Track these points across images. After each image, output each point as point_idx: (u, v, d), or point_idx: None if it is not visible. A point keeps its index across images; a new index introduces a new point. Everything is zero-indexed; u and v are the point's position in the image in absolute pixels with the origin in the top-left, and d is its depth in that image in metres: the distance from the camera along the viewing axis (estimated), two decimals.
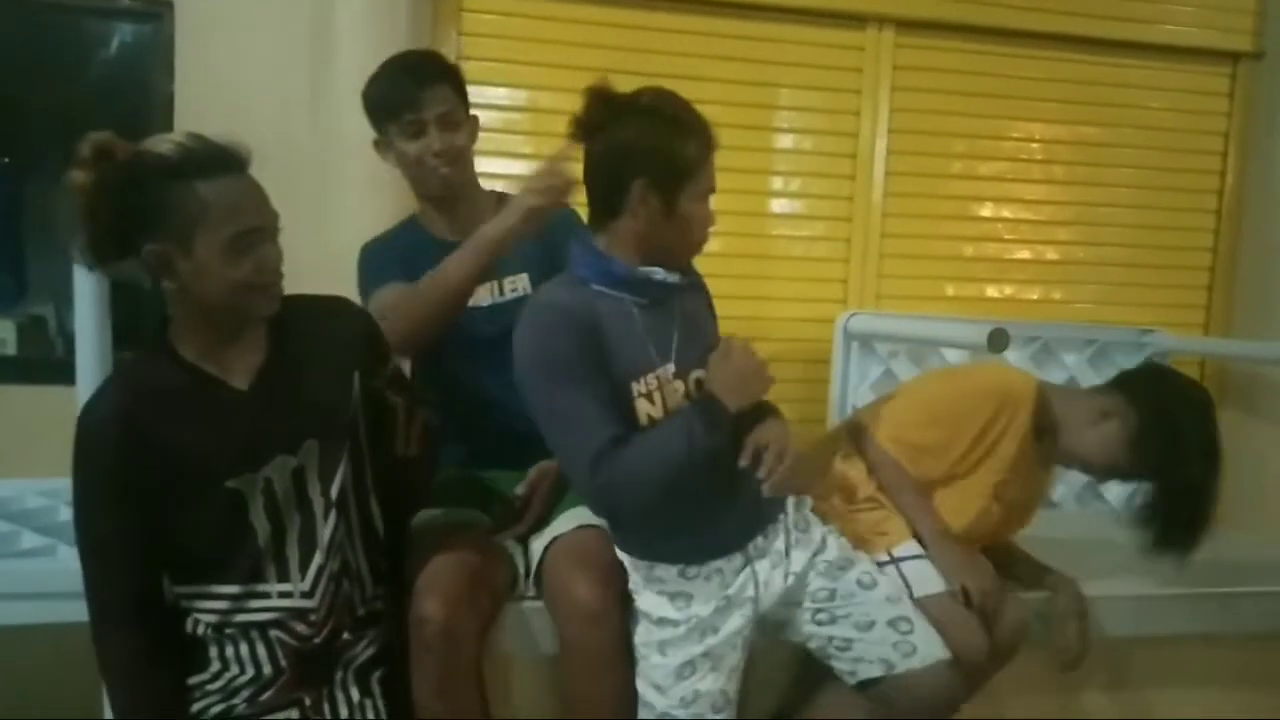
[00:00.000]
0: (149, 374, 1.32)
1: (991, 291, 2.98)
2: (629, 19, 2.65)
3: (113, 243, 1.25)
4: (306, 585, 1.34)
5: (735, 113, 2.67)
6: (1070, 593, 1.79)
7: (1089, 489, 2.77)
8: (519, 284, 1.73)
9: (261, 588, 1.33)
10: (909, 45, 2.82)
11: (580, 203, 1.52)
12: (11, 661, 1.83)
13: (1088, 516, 2.68)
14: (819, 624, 1.56)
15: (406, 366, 1.77)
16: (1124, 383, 1.77)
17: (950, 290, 2.94)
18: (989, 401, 1.71)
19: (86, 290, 1.56)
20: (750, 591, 1.51)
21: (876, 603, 1.55)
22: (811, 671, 1.66)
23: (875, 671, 1.53)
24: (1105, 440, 1.71)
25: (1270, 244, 2.94)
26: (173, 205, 1.22)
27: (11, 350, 2.40)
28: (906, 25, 2.80)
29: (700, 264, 1.57)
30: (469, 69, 2.00)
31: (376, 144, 1.76)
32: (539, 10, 2.60)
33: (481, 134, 1.81)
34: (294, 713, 1.35)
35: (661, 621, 1.48)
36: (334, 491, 1.36)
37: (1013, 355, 2.59)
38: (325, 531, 1.35)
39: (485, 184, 1.85)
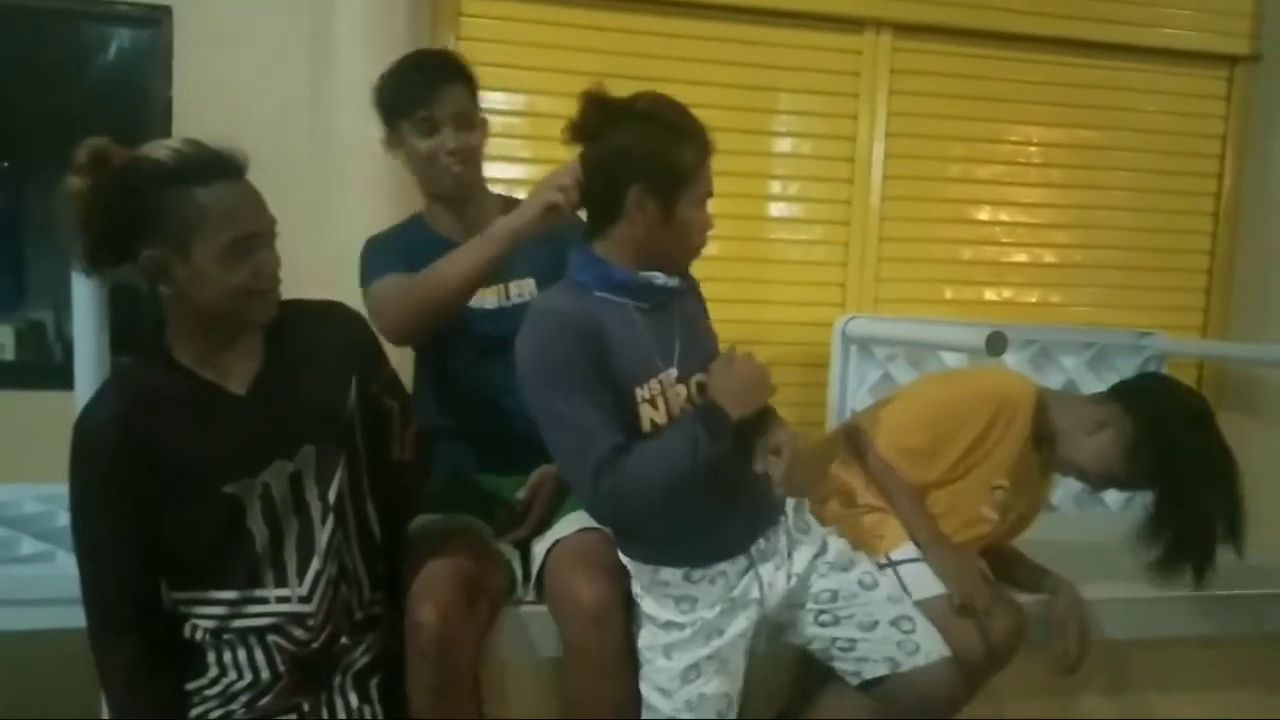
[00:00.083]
0: (146, 379, 1.32)
1: (990, 294, 2.98)
2: (626, 23, 2.65)
3: (110, 249, 1.25)
4: (304, 590, 1.34)
5: (733, 117, 2.67)
6: (1069, 596, 1.79)
7: (1088, 493, 2.77)
8: (525, 289, 1.72)
9: (259, 593, 1.33)
10: (907, 49, 2.82)
11: None
12: (10, 667, 1.82)
13: (1087, 520, 2.68)
14: (822, 625, 1.56)
15: (407, 368, 1.77)
16: (1121, 392, 1.77)
17: (948, 293, 2.95)
18: (987, 405, 1.71)
19: (85, 295, 1.56)
20: (755, 593, 1.52)
21: (879, 602, 1.56)
22: (811, 672, 1.66)
23: (880, 671, 1.53)
24: (1101, 449, 1.71)
25: (1267, 246, 2.95)
26: (170, 211, 1.22)
27: (10, 355, 2.41)
28: (904, 29, 2.81)
29: (698, 268, 1.57)
30: None
31: (386, 141, 1.75)
32: (537, 15, 2.60)
33: None
34: (292, 717, 1.35)
35: (667, 625, 1.48)
36: (331, 496, 1.36)
37: (1011, 358, 2.59)
38: (323, 536, 1.35)
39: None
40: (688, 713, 1.46)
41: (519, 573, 1.63)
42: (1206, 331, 3.09)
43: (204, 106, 2.31)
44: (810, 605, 1.56)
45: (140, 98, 2.36)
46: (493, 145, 2.50)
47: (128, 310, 1.58)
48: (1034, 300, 3.01)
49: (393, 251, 1.69)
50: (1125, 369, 2.81)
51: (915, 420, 1.75)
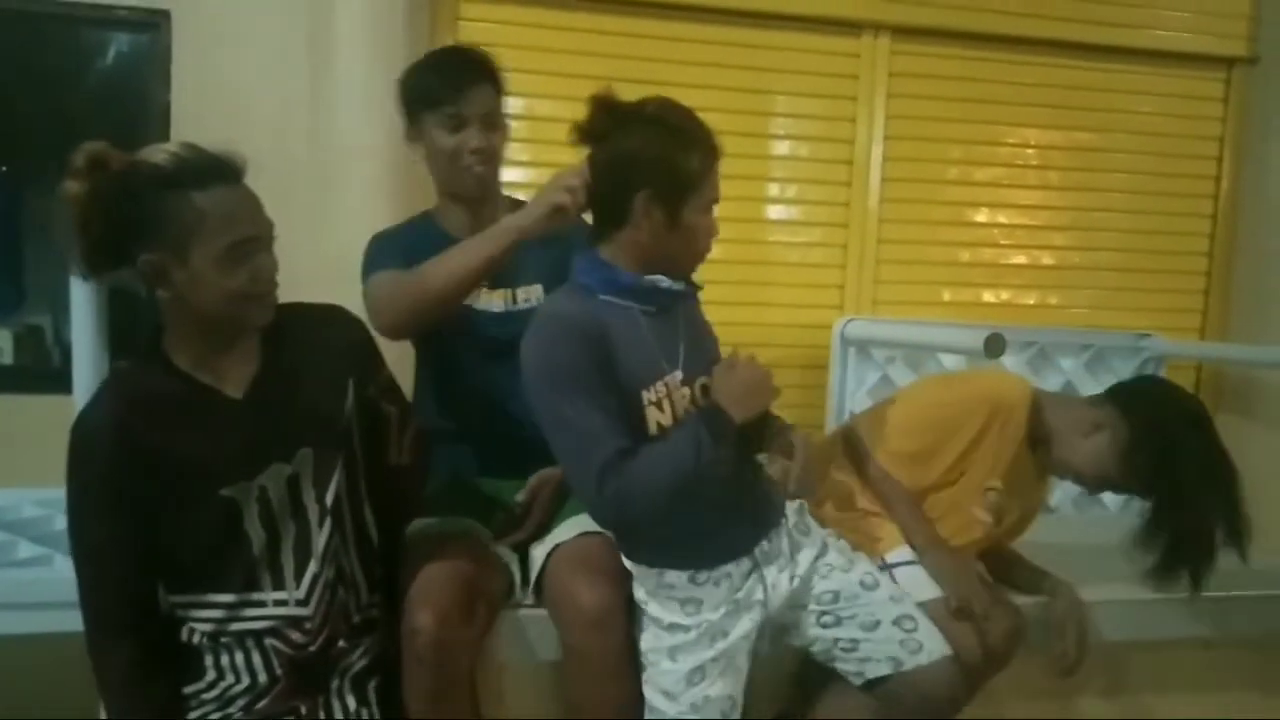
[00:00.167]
0: (143, 383, 1.32)
1: (988, 296, 2.98)
2: (625, 27, 2.65)
3: (107, 253, 1.25)
4: (301, 593, 1.34)
5: (732, 120, 2.67)
6: (1068, 597, 1.79)
7: (1085, 494, 2.77)
8: (532, 294, 1.72)
9: (257, 596, 1.33)
10: (905, 52, 2.82)
11: None
12: (9, 671, 1.82)
13: (1085, 521, 2.68)
14: (824, 626, 1.56)
15: (407, 371, 1.77)
16: (1117, 394, 1.77)
17: (947, 295, 2.95)
18: (983, 408, 1.71)
19: (83, 299, 1.57)
20: (759, 595, 1.52)
21: (880, 602, 1.56)
22: (810, 672, 1.66)
23: (884, 670, 1.53)
24: (1097, 452, 1.71)
25: (1265, 248, 2.95)
26: (168, 215, 1.22)
27: (8, 359, 2.40)
28: (902, 32, 2.81)
29: (697, 271, 1.57)
30: None
31: (406, 133, 1.74)
32: (535, 18, 2.61)
33: None
34: None
35: (672, 627, 1.48)
36: (329, 499, 1.36)
37: (1009, 360, 2.59)
38: (320, 539, 1.35)
39: None
40: (692, 715, 1.46)
41: (517, 576, 1.63)
42: (1204, 333, 3.09)
43: (203, 110, 2.31)
44: (812, 607, 1.57)
45: (139, 101, 2.36)
46: None
47: (126, 314, 1.58)
48: (1032, 302, 3.01)
49: (397, 247, 1.68)
50: (1123, 371, 2.81)
51: (912, 424, 1.75)
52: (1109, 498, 2.72)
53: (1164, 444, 1.66)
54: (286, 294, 1.34)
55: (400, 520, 1.55)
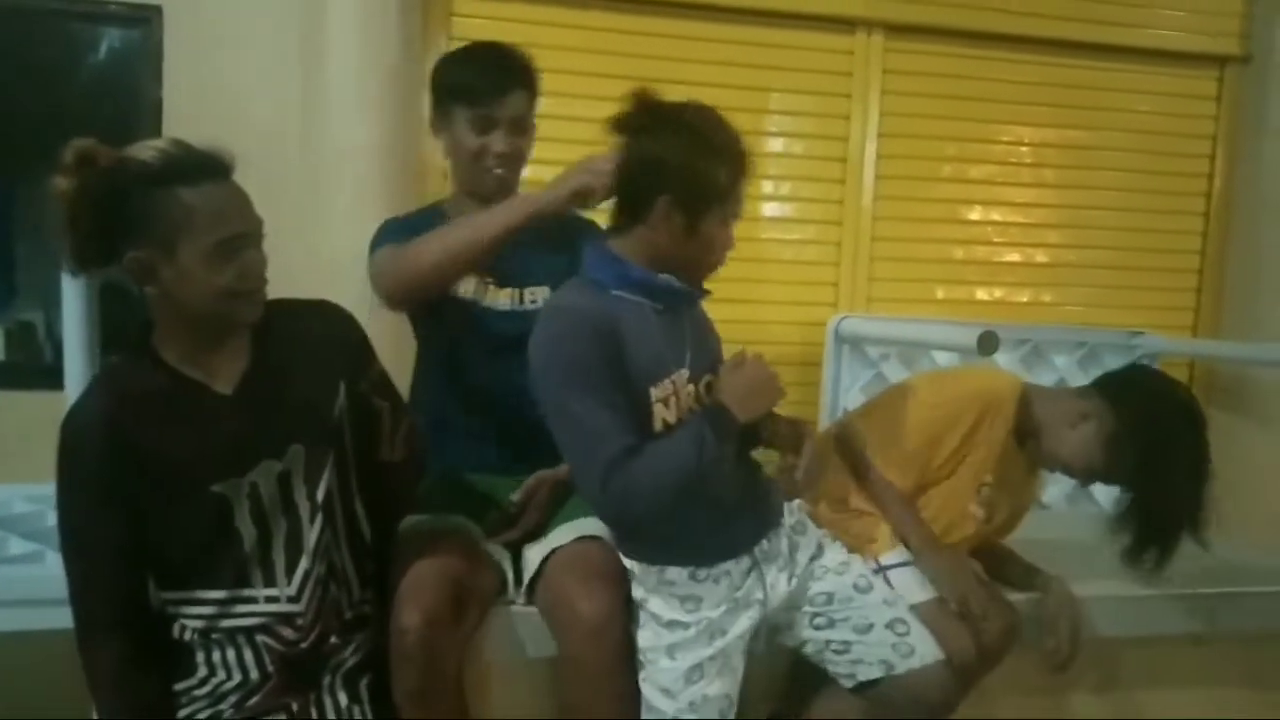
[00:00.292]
0: (133, 379, 1.31)
1: (981, 294, 2.98)
2: (618, 23, 2.65)
3: (96, 249, 1.25)
4: (293, 590, 1.34)
5: (725, 117, 2.67)
6: (1060, 594, 1.79)
7: (1079, 490, 2.77)
8: (539, 296, 1.70)
9: (248, 593, 1.33)
10: (898, 50, 2.82)
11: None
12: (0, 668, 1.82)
13: (1078, 517, 2.68)
14: (817, 628, 1.57)
15: (405, 369, 1.77)
16: (1104, 385, 1.78)
17: (940, 293, 2.95)
18: (974, 404, 1.72)
19: (75, 296, 1.56)
20: (758, 594, 1.52)
21: (874, 606, 1.56)
22: (804, 672, 1.66)
23: (875, 673, 1.53)
24: (1084, 442, 1.71)
25: (1258, 246, 2.96)
26: (155, 212, 1.22)
27: (0, 355, 2.40)
28: (896, 30, 2.81)
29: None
30: None
31: (432, 122, 1.73)
32: (528, 15, 2.60)
33: None
34: (281, 717, 1.34)
35: (671, 624, 1.48)
36: (320, 496, 1.36)
37: (1003, 357, 2.59)
38: (311, 536, 1.35)
39: None
40: (691, 714, 1.46)
41: (510, 575, 1.62)
42: (1197, 331, 3.10)
43: (195, 107, 2.30)
44: (806, 608, 1.57)
45: (130, 98, 2.35)
46: None
47: (118, 310, 1.58)
48: (1026, 300, 3.01)
49: (406, 231, 1.66)
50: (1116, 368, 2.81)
51: (904, 424, 1.75)
52: (1101, 494, 2.73)
53: (1151, 433, 1.66)
54: (278, 292, 1.34)
55: (393, 516, 1.55)
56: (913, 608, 1.60)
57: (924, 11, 2.79)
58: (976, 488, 1.74)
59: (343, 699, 1.38)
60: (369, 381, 1.38)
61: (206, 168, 1.24)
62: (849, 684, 1.56)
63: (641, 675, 1.50)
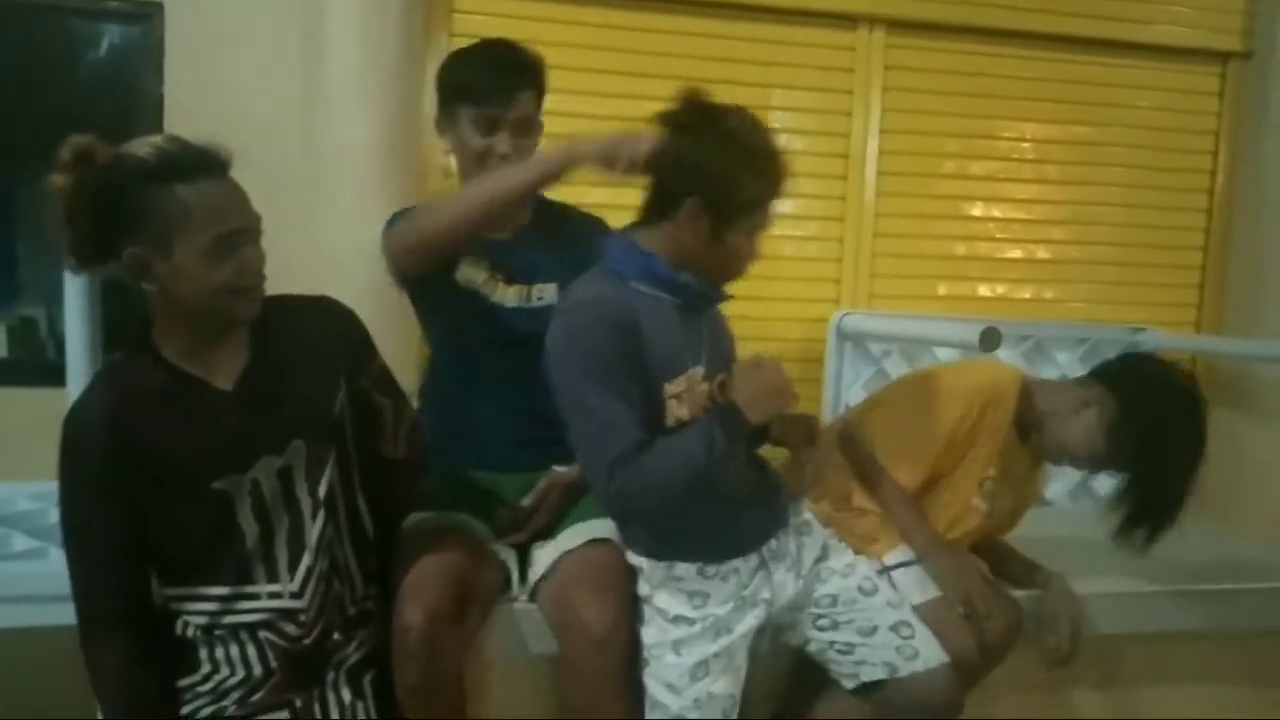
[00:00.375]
0: (133, 376, 1.32)
1: (984, 290, 2.98)
2: (619, 20, 2.64)
3: (94, 246, 1.25)
4: (295, 586, 1.34)
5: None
6: (1061, 590, 1.79)
7: (1081, 487, 2.78)
8: (547, 293, 1.70)
9: (250, 589, 1.33)
10: (900, 45, 2.81)
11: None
12: (3, 664, 1.82)
13: (1079, 514, 2.68)
14: (821, 629, 1.57)
15: (408, 367, 1.76)
16: (1103, 372, 1.78)
17: (942, 289, 2.94)
18: (975, 399, 1.71)
19: (76, 292, 1.56)
20: (765, 593, 1.52)
21: (878, 608, 1.56)
22: (805, 671, 1.66)
23: (878, 675, 1.54)
24: (1087, 429, 1.71)
25: (1260, 242, 2.95)
26: (152, 208, 1.22)
27: (2, 352, 2.40)
28: (898, 25, 2.80)
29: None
30: None
31: (438, 122, 1.72)
32: (530, 12, 2.59)
33: None
34: (284, 714, 1.35)
35: (678, 620, 1.48)
36: (321, 491, 1.36)
37: (1005, 354, 2.59)
38: (313, 532, 1.35)
39: None
40: (695, 711, 1.46)
41: (515, 573, 1.62)
42: (1200, 327, 3.09)
43: (196, 104, 2.30)
44: (811, 609, 1.57)
45: (131, 94, 2.35)
46: None
47: (120, 307, 1.58)
48: (1028, 296, 3.01)
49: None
50: None
51: (907, 419, 1.75)
52: (1104, 489, 2.73)
53: (1150, 416, 1.67)
54: (279, 289, 1.34)
55: (397, 513, 1.55)
56: (915, 608, 1.60)
57: (926, 7, 2.79)
58: (980, 482, 1.74)
59: (346, 695, 1.38)
60: (370, 378, 1.38)
61: (203, 164, 1.24)
62: (851, 685, 1.56)
63: (646, 671, 1.50)
